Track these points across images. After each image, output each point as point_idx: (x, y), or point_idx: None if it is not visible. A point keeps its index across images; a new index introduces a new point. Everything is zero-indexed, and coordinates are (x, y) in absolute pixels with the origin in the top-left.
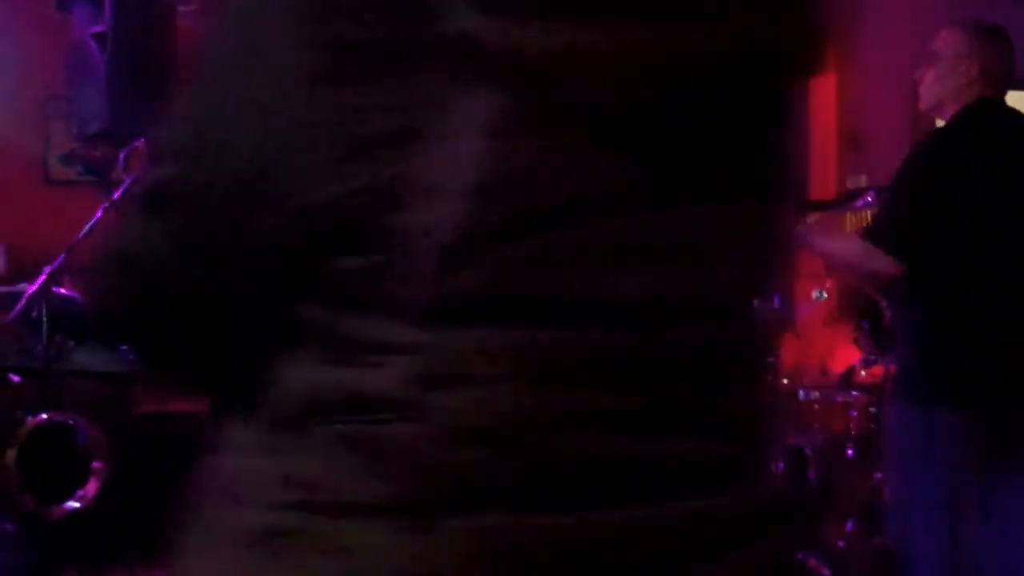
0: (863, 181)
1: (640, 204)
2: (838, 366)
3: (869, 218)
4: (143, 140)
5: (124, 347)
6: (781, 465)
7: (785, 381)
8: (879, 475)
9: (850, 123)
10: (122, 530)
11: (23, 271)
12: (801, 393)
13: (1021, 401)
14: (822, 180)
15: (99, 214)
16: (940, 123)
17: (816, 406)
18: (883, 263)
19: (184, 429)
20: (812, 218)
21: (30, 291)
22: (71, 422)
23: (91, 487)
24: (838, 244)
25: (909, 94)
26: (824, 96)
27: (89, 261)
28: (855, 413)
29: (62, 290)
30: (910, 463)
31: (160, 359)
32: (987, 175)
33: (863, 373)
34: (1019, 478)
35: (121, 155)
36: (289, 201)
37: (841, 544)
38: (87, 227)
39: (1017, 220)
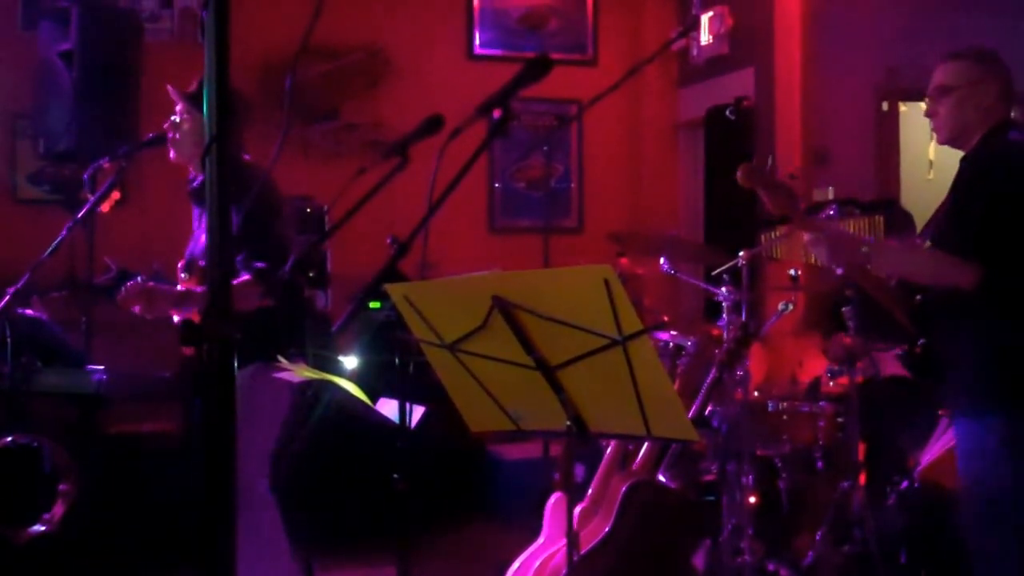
0: (830, 193)
1: None
2: (806, 377)
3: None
4: (108, 159)
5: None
6: (751, 476)
7: (756, 393)
8: (846, 484)
9: (816, 139)
10: (91, 554)
11: None
12: (770, 404)
13: None
14: None
15: (64, 233)
16: (933, 148)
17: (785, 417)
18: (962, 270)
19: (153, 450)
20: (780, 231)
21: None
22: (37, 444)
23: (58, 510)
24: (910, 259)
25: (872, 111)
26: (790, 113)
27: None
28: (823, 423)
29: (28, 311)
30: (979, 477)
31: None
32: None
33: (831, 384)
34: None
35: (86, 174)
36: None
37: (811, 554)
38: (52, 246)
39: None
